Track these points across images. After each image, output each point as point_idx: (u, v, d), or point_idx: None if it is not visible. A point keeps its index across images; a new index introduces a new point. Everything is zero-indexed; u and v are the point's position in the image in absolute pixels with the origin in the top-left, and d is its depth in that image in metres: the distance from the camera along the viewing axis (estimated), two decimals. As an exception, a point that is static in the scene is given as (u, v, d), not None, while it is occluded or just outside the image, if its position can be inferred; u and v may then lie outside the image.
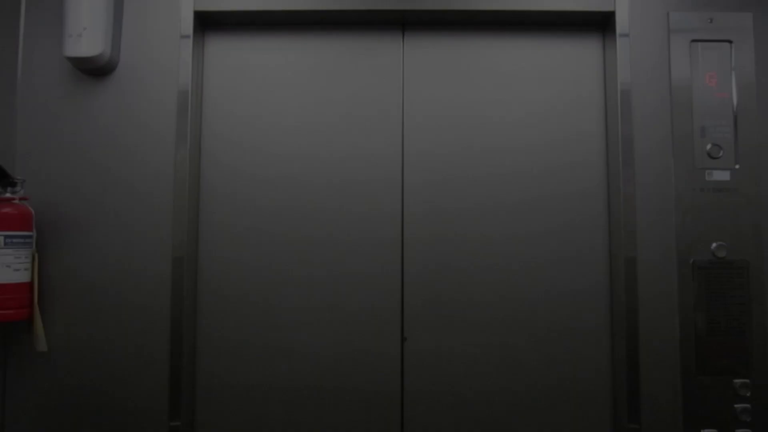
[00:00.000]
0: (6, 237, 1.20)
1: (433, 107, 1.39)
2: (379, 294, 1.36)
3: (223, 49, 1.41)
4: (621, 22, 1.33)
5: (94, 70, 1.33)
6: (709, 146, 1.31)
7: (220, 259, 1.37)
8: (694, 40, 1.33)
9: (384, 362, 1.34)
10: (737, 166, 1.30)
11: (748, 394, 1.26)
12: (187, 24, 1.34)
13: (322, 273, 1.36)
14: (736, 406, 1.26)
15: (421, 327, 1.35)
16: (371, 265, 1.36)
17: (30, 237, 1.25)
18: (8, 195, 1.25)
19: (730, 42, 1.33)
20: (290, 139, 1.39)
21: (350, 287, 1.36)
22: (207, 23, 1.40)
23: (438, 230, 1.37)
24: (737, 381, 1.26)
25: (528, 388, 1.34)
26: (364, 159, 1.38)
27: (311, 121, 1.39)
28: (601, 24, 1.40)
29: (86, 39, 1.27)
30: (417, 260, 1.36)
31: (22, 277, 1.23)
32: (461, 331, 1.35)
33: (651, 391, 1.28)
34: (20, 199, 1.26)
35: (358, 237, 1.37)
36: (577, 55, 1.41)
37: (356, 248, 1.36)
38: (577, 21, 1.39)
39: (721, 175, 1.30)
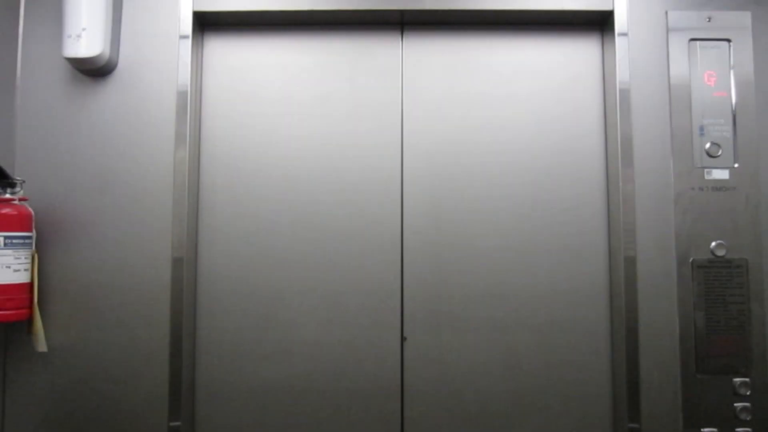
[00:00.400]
0: (6, 238, 1.20)
1: (432, 106, 1.39)
2: (378, 294, 1.36)
3: (222, 49, 1.41)
4: (620, 21, 1.33)
5: (94, 71, 1.33)
6: (708, 145, 1.31)
7: (219, 259, 1.37)
8: (692, 39, 1.33)
9: (384, 362, 1.34)
10: (736, 165, 1.30)
11: (747, 393, 1.26)
12: (186, 24, 1.34)
13: (321, 273, 1.36)
14: (735, 404, 1.26)
15: (420, 327, 1.35)
16: (371, 265, 1.36)
17: (30, 238, 1.25)
18: (8, 196, 1.25)
19: (729, 41, 1.33)
20: (289, 140, 1.39)
21: (350, 287, 1.36)
22: (206, 23, 1.40)
23: (437, 229, 1.37)
24: (737, 380, 1.26)
25: (528, 387, 1.34)
26: (363, 159, 1.38)
27: (310, 121, 1.39)
28: (600, 23, 1.40)
29: (85, 39, 1.27)
30: (416, 260, 1.36)
31: (22, 277, 1.23)
32: (461, 332, 1.35)
33: (651, 390, 1.27)
34: (20, 199, 1.26)
35: (358, 237, 1.37)
36: (575, 54, 1.41)
37: (356, 248, 1.36)
38: (576, 20, 1.39)
39: (720, 174, 1.30)
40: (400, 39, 1.42)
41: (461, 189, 1.37)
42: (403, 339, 1.35)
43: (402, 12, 1.36)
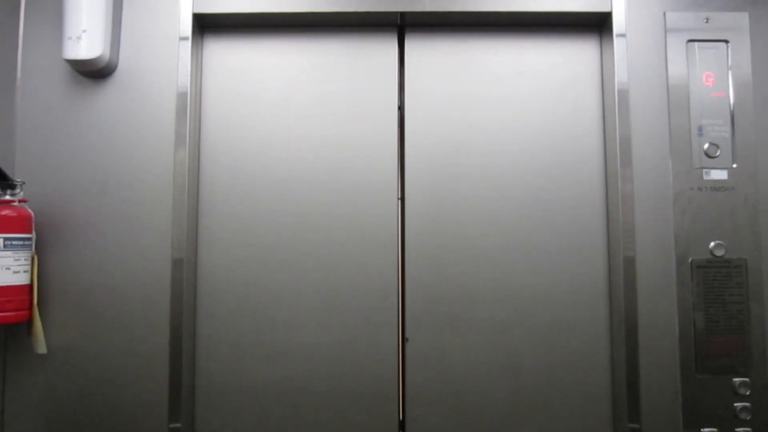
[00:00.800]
0: (5, 239, 1.20)
1: (432, 107, 1.39)
2: (377, 295, 1.35)
3: (222, 51, 1.42)
4: (618, 23, 1.34)
5: (94, 73, 1.33)
6: (706, 145, 1.31)
7: (219, 261, 1.37)
8: (690, 40, 1.33)
9: (381, 363, 1.34)
10: (734, 165, 1.31)
11: (747, 393, 1.26)
12: (186, 26, 1.34)
13: (321, 274, 1.36)
14: (735, 404, 1.26)
15: (423, 328, 1.35)
16: (370, 266, 1.36)
17: (29, 239, 1.25)
18: (8, 197, 1.25)
19: (727, 41, 1.33)
20: (289, 141, 1.39)
21: (349, 288, 1.36)
22: (206, 25, 1.41)
23: (439, 230, 1.37)
24: (736, 379, 1.27)
25: (528, 387, 1.34)
26: (362, 160, 1.38)
27: (310, 123, 1.40)
28: (599, 24, 1.40)
29: (85, 41, 1.27)
30: (418, 261, 1.36)
31: (22, 279, 1.23)
32: (462, 332, 1.34)
33: (650, 390, 1.28)
34: (20, 201, 1.26)
35: (357, 238, 1.36)
36: (575, 55, 1.41)
37: (355, 249, 1.36)
38: (574, 22, 1.39)
39: (719, 174, 1.31)
40: (402, 41, 1.42)
41: (462, 189, 1.37)
42: (405, 340, 1.35)
43: (403, 14, 1.36)
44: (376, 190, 1.38)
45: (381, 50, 1.41)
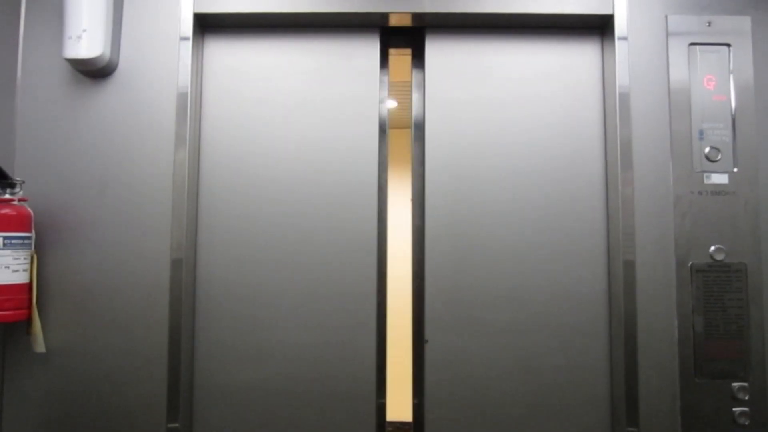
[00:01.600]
0: (5, 238, 1.20)
1: (447, 110, 1.39)
2: (370, 297, 1.35)
3: (223, 51, 1.41)
4: (620, 26, 1.33)
5: (94, 72, 1.33)
6: (707, 149, 1.31)
7: (219, 261, 1.37)
8: (692, 44, 1.33)
9: (362, 364, 1.34)
10: (735, 170, 1.31)
11: (746, 398, 1.26)
12: (187, 26, 1.34)
13: (321, 275, 1.36)
14: (734, 409, 1.26)
15: (441, 329, 1.35)
16: (356, 267, 1.36)
17: (29, 238, 1.25)
18: (7, 196, 1.25)
19: (729, 45, 1.33)
20: (291, 142, 1.39)
21: (348, 291, 1.36)
22: (206, 25, 1.41)
23: (454, 233, 1.36)
24: (735, 384, 1.26)
25: (526, 391, 1.34)
26: (361, 161, 1.38)
27: (309, 124, 1.39)
28: (600, 27, 1.40)
29: (86, 41, 1.27)
30: (435, 263, 1.35)
31: (21, 278, 1.23)
32: (476, 334, 1.34)
33: (649, 393, 1.27)
34: (19, 200, 1.26)
35: (351, 239, 1.36)
36: (576, 58, 1.40)
37: (352, 251, 1.36)
38: (576, 24, 1.39)
39: (720, 179, 1.30)
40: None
41: (475, 192, 1.37)
42: (424, 341, 1.35)
43: (421, 15, 1.36)
44: (363, 190, 1.37)
45: (364, 51, 1.40)
